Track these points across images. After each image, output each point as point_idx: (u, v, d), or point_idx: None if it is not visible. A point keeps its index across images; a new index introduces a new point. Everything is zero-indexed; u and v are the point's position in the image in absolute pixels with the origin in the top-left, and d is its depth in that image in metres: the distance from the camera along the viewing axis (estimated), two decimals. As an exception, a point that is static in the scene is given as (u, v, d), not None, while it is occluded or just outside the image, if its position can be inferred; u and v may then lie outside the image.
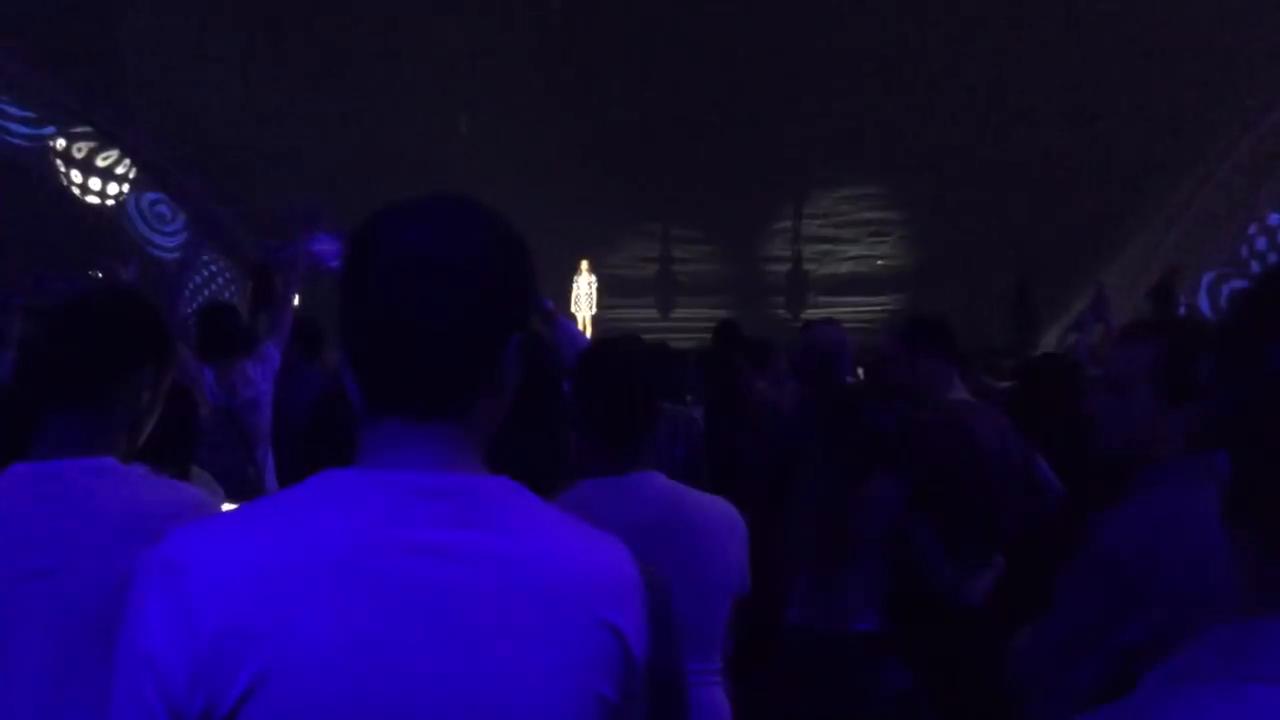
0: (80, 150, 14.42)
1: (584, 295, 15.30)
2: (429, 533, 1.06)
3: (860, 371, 6.30)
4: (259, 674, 0.99)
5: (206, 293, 14.64)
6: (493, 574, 1.07)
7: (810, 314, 13.63)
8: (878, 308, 15.91)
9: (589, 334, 9.79)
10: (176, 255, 14.88)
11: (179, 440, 2.48)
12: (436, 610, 1.05)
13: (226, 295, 14.47)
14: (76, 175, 14.47)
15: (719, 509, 2.29)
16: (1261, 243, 13.38)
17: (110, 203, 14.71)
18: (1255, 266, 13.03)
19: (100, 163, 14.63)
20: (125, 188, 14.88)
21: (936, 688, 3.07)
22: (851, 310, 14.97)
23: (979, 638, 3.14)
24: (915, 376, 3.51)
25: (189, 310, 4.58)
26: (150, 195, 15.06)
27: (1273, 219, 13.43)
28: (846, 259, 17.08)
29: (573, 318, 10.25)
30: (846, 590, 3.03)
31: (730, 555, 2.27)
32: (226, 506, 2.33)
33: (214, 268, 15.18)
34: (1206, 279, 13.52)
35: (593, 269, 15.55)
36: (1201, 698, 0.75)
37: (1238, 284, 12.70)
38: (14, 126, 13.70)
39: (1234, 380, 0.82)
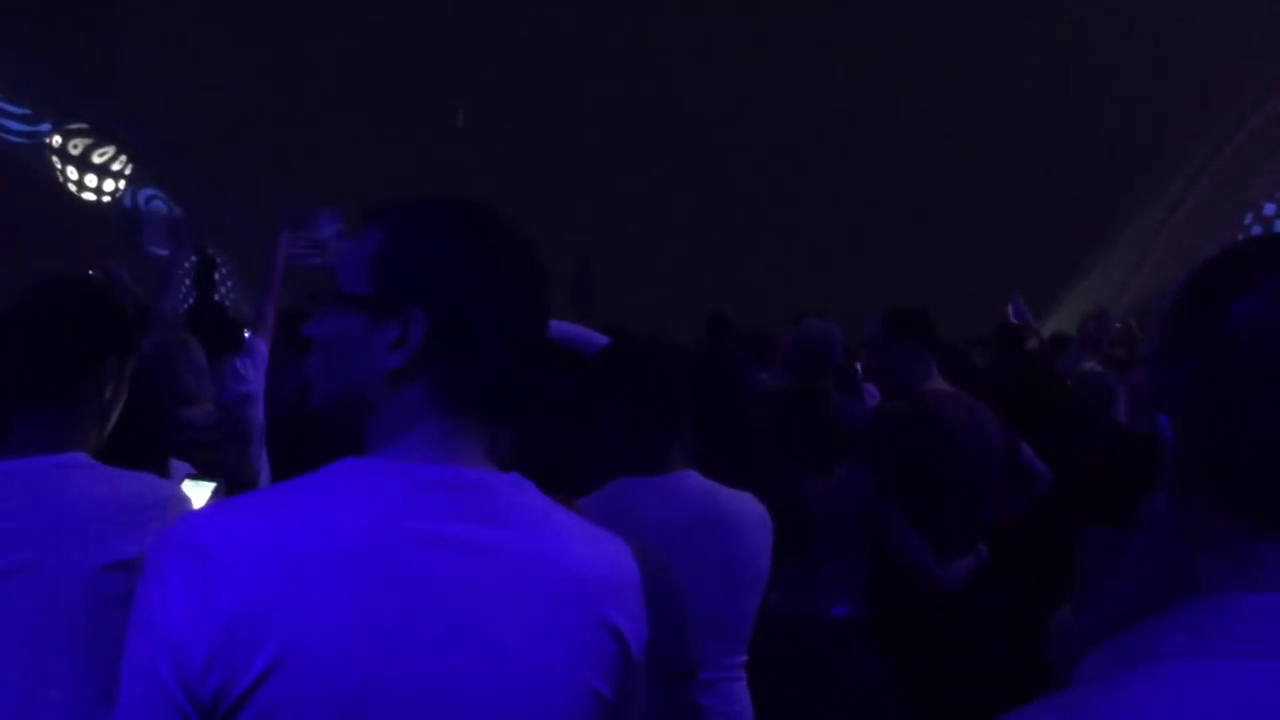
0: (76, 146, 14.43)
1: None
2: (443, 525, 1.08)
3: (859, 366, 6.31)
4: (275, 658, 1.00)
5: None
6: (501, 568, 1.09)
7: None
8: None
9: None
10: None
11: (149, 435, 2.47)
12: (447, 602, 1.06)
13: (224, 290, 14.47)
14: (73, 171, 14.48)
15: (751, 506, 2.34)
16: (1257, 232, 13.38)
17: (106, 199, 14.72)
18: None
19: (96, 159, 14.64)
20: (121, 184, 14.89)
21: (907, 671, 3.08)
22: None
23: (956, 622, 3.16)
24: (892, 366, 3.54)
25: (182, 306, 4.59)
26: (146, 191, 15.06)
27: (1268, 209, 13.43)
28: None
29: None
30: (817, 577, 3.05)
31: (762, 551, 2.32)
32: (197, 495, 2.33)
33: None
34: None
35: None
36: (1174, 677, 0.74)
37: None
38: (9, 123, 13.71)
39: (1187, 347, 0.82)
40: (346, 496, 1.08)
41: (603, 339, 2.89)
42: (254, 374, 4.35)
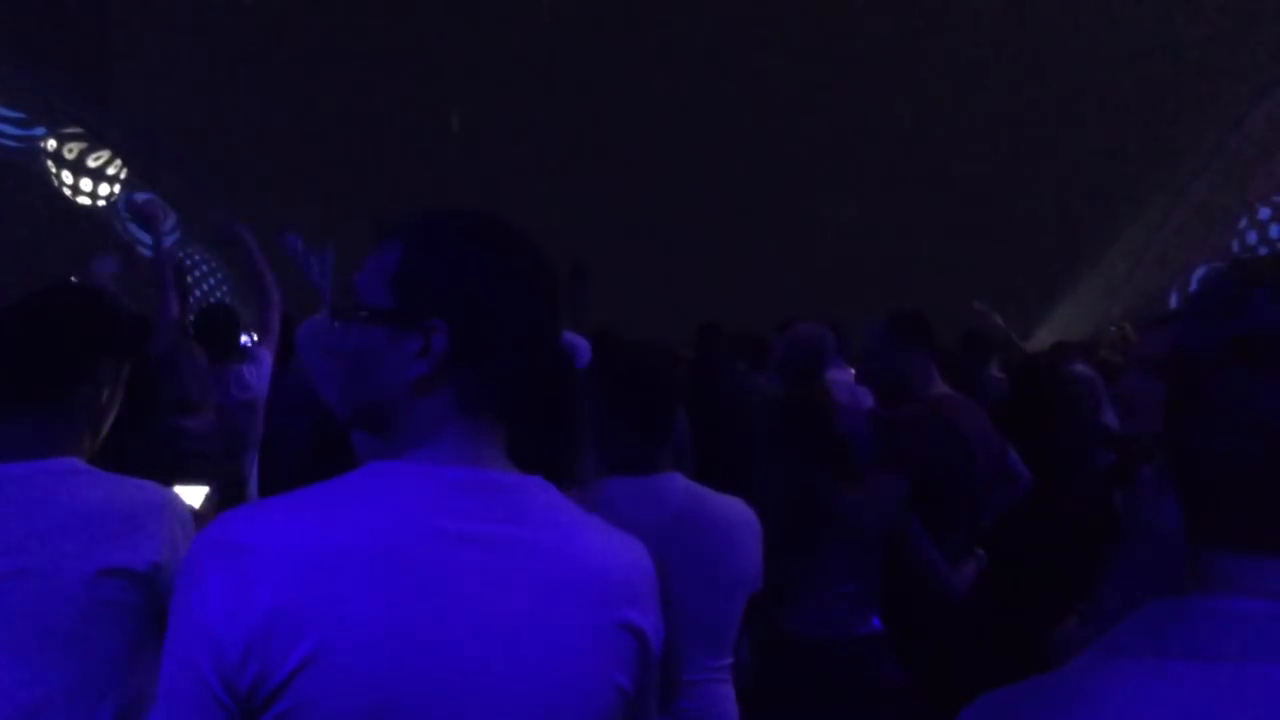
0: (71, 151, 14.41)
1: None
2: (470, 524, 1.13)
3: (853, 371, 6.30)
4: (310, 652, 1.04)
5: (198, 293, 14.61)
6: (526, 566, 1.14)
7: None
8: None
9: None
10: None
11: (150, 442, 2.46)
12: (475, 598, 1.11)
13: (218, 295, 14.46)
14: (67, 176, 14.46)
15: (737, 509, 2.36)
16: (1252, 236, 13.40)
17: (101, 203, 14.70)
18: (1246, 260, 13.04)
19: (91, 163, 14.62)
20: (116, 188, 14.87)
21: (933, 684, 3.06)
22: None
23: (969, 629, 3.14)
24: (895, 369, 3.53)
25: (177, 312, 4.58)
26: (141, 195, 15.01)
27: (1263, 213, 13.46)
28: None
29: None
30: (843, 595, 3.01)
31: (748, 553, 2.33)
32: (193, 498, 2.33)
33: (205, 268, 15.16)
34: (1198, 273, 13.54)
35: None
36: (1127, 672, 0.79)
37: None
38: (4, 127, 13.69)
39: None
40: (377, 497, 1.13)
41: (585, 347, 2.90)
42: (257, 382, 4.36)
